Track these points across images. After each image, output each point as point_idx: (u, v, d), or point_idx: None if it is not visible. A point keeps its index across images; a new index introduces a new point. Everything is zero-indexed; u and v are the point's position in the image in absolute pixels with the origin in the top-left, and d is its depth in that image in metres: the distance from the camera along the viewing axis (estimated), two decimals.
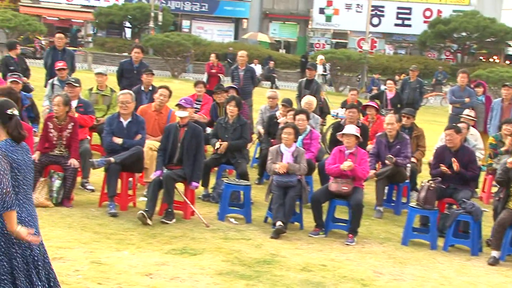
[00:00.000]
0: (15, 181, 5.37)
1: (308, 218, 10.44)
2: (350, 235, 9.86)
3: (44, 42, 42.22)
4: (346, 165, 9.94)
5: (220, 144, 11.37)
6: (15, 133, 5.41)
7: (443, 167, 10.66)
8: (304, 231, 10.26)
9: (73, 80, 11.97)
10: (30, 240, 5.37)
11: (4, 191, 5.15)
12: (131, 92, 10.91)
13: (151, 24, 46.47)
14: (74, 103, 11.23)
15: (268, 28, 55.94)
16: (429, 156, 12.53)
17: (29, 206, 5.55)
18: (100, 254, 8.22)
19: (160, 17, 47.26)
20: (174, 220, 9.94)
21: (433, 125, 24.10)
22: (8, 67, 15.00)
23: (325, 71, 36.58)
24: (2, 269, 5.37)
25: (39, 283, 5.50)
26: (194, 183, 10.19)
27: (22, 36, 39.20)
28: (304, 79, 17.43)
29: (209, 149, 12.73)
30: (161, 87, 11.90)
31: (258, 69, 36.53)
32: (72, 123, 10.29)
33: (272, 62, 42.37)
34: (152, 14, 46.44)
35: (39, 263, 5.55)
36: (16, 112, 5.44)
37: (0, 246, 5.37)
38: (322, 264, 8.70)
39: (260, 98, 19.67)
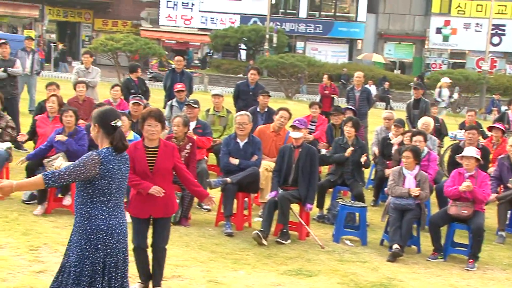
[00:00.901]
0: (107, 189, 5.54)
1: (425, 242, 10.24)
2: (471, 260, 9.58)
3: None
4: (465, 185, 9.69)
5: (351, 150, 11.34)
6: (119, 144, 5.59)
7: None
8: (422, 255, 10.04)
9: (192, 101, 12.23)
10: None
11: (65, 175, 5.39)
12: (248, 113, 11.03)
13: (266, 46, 46.89)
14: (192, 124, 11.46)
15: (383, 49, 55.50)
16: None
17: (119, 213, 5.69)
18: (217, 273, 8.32)
19: (274, 39, 47.64)
20: (289, 241, 9.94)
21: None
22: (129, 90, 15.48)
23: (451, 94, 35.57)
24: (84, 271, 5.52)
25: None
26: (308, 205, 10.18)
27: (132, 57, 40.15)
28: (412, 99, 17.20)
29: (324, 170, 12.70)
30: (281, 109, 11.96)
31: (372, 89, 36.21)
32: (190, 144, 10.45)
33: (387, 83, 41.95)
34: (267, 36, 46.84)
35: (117, 270, 5.66)
36: (119, 123, 5.62)
37: (86, 250, 5.52)
38: None
39: (375, 119, 19.49)
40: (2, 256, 8.29)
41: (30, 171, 10.60)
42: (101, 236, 5.52)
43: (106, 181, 5.52)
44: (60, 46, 48.92)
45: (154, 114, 7.58)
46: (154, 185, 7.37)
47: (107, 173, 5.50)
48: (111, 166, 5.52)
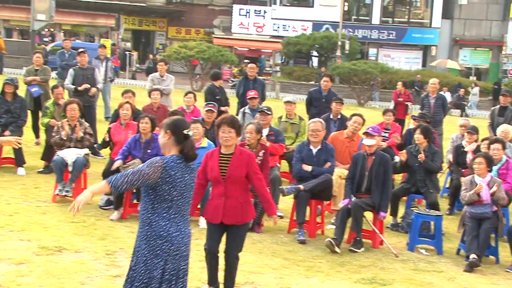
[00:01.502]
0: (168, 195, 5.60)
1: (504, 252, 10.04)
2: None
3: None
4: None
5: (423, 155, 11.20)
6: (190, 152, 5.67)
7: None
8: (501, 266, 9.84)
9: (265, 108, 12.26)
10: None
11: (128, 178, 5.50)
12: (321, 120, 11.02)
13: (338, 53, 46.77)
14: (265, 131, 11.49)
15: (458, 55, 54.59)
16: None
17: (180, 222, 5.72)
18: (290, 281, 8.34)
19: (347, 46, 47.45)
20: (362, 249, 9.89)
21: None
22: (214, 96, 15.63)
23: None
24: (139, 276, 5.59)
25: None
26: (382, 213, 10.09)
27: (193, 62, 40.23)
28: (498, 106, 16.79)
29: (397, 178, 12.57)
30: (355, 114, 11.91)
31: (447, 96, 35.71)
32: (263, 151, 10.47)
33: (462, 90, 41.31)
34: (339, 43, 46.72)
35: (178, 277, 5.69)
36: (191, 133, 5.68)
37: (145, 255, 5.59)
38: None
39: (450, 126, 19.20)
40: (81, 260, 8.48)
41: (107, 177, 10.77)
42: (160, 242, 5.59)
43: (167, 187, 5.58)
44: (151, 56, 49.75)
45: (227, 120, 7.62)
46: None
47: (168, 178, 5.57)
48: (173, 173, 5.58)
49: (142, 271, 5.59)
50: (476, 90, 43.58)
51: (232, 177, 7.48)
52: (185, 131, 5.70)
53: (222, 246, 7.59)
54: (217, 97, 15.43)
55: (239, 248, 7.56)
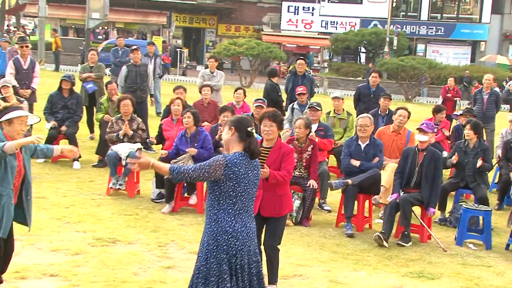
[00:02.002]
0: (233, 192, 5.67)
1: None
2: None
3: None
4: None
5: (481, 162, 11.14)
6: (255, 149, 5.74)
7: None
8: None
9: (315, 104, 12.28)
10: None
11: (190, 171, 5.61)
12: (370, 115, 11.00)
13: (386, 49, 46.42)
14: (314, 127, 11.52)
15: (508, 50, 53.70)
16: None
17: (245, 217, 5.79)
18: (338, 274, 8.36)
19: (395, 42, 47.08)
20: (410, 243, 9.85)
21: None
22: (277, 93, 15.98)
23: None
24: (211, 271, 5.64)
25: None
26: (431, 209, 10.03)
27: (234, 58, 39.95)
28: None
29: (445, 173, 12.47)
30: (400, 108, 11.86)
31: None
32: (312, 146, 10.52)
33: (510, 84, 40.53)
34: (387, 39, 46.35)
35: (243, 271, 5.73)
36: (254, 130, 5.75)
37: (212, 250, 5.66)
38: None
39: (502, 122, 18.94)
40: (134, 251, 8.63)
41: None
42: (226, 237, 5.65)
43: (231, 184, 5.65)
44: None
45: (269, 114, 7.69)
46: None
47: (231, 175, 5.63)
48: (237, 169, 5.64)
49: (214, 266, 5.65)
50: None
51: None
52: (248, 129, 5.76)
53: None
54: (279, 93, 15.60)
55: (278, 240, 7.56)
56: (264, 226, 7.57)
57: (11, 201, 6.76)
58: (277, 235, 7.53)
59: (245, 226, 5.76)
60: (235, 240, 5.68)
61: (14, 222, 7.01)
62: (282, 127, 8.08)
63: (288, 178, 7.60)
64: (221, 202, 5.69)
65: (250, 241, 5.80)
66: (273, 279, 7.56)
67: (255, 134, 5.79)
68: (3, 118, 6.76)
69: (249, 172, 5.75)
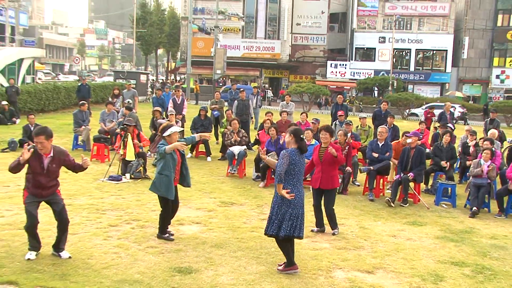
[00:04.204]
0: (293, 171, 5.64)
1: (493, 206, 9.72)
2: None
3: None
4: None
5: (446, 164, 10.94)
6: (305, 148, 5.78)
7: None
8: (491, 214, 9.54)
9: (349, 121, 12.18)
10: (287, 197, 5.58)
11: (279, 172, 5.58)
12: (385, 127, 10.91)
13: (390, 88, 45.03)
14: (349, 135, 11.35)
15: (462, 88, 51.16)
16: None
17: (299, 187, 5.70)
18: (364, 223, 8.30)
19: (395, 84, 45.56)
20: (407, 204, 9.74)
21: None
22: (335, 115, 15.50)
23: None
24: (279, 216, 5.66)
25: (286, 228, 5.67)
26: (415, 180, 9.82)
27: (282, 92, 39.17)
28: (488, 118, 15.89)
29: (427, 162, 12.22)
30: (406, 135, 11.39)
31: (457, 112, 33.16)
32: (348, 146, 10.40)
33: (465, 108, 38.15)
34: (390, 82, 44.98)
35: (295, 219, 5.66)
36: (304, 136, 5.76)
37: (280, 205, 5.67)
38: (504, 235, 8.08)
39: (462, 132, 18.31)
40: (243, 209, 8.55)
41: (258, 162, 11.11)
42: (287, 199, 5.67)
43: (292, 166, 5.65)
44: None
45: (325, 127, 7.68)
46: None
47: (292, 161, 5.65)
48: (294, 158, 5.67)
49: (279, 215, 5.68)
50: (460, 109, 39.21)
51: (325, 160, 7.41)
52: (301, 135, 5.81)
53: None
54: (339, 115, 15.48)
55: (332, 204, 7.43)
56: (322, 196, 7.51)
57: (172, 178, 6.58)
58: (331, 200, 7.41)
59: (298, 191, 5.72)
60: (293, 200, 5.66)
61: (179, 190, 6.82)
62: (334, 135, 8.05)
63: (341, 159, 7.52)
64: (287, 178, 5.65)
65: (301, 200, 5.73)
66: (334, 227, 7.48)
67: (313, 141, 5.91)
68: (166, 133, 6.60)
69: (300, 160, 5.73)
